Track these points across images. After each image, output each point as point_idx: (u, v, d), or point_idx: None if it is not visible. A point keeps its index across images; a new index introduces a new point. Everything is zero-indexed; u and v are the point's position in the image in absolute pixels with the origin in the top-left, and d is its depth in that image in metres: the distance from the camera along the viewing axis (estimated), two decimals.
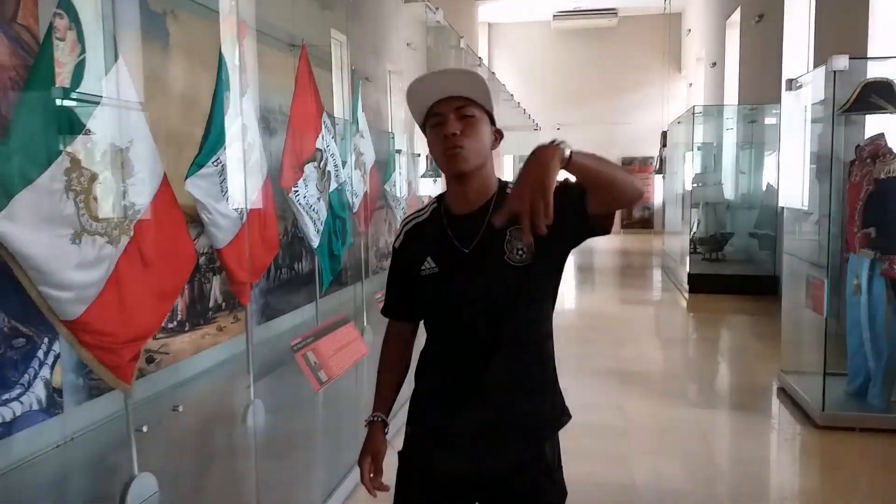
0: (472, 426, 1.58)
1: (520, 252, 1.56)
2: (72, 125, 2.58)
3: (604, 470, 3.66)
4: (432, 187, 8.70)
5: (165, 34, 4.37)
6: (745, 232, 10.45)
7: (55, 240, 2.47)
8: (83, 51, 2.66)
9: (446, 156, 1.55)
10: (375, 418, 1.69)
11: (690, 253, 10.17)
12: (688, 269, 9.61)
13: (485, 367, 1.57)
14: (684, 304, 8.96)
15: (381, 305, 1.81)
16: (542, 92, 18.12)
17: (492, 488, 1.61)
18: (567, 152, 1.33)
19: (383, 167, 6.54)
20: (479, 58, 11.49)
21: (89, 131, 2.64)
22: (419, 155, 9.59)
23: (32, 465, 3.19)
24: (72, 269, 2.52)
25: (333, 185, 4.92)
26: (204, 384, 4.11)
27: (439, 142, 1.56)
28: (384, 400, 1.72)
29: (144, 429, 2.87)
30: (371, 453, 1.67)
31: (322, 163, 4.68)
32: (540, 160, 1.30)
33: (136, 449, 2.86)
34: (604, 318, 8.20)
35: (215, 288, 4.87)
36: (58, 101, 2.59)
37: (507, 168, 17.92)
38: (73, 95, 2.62)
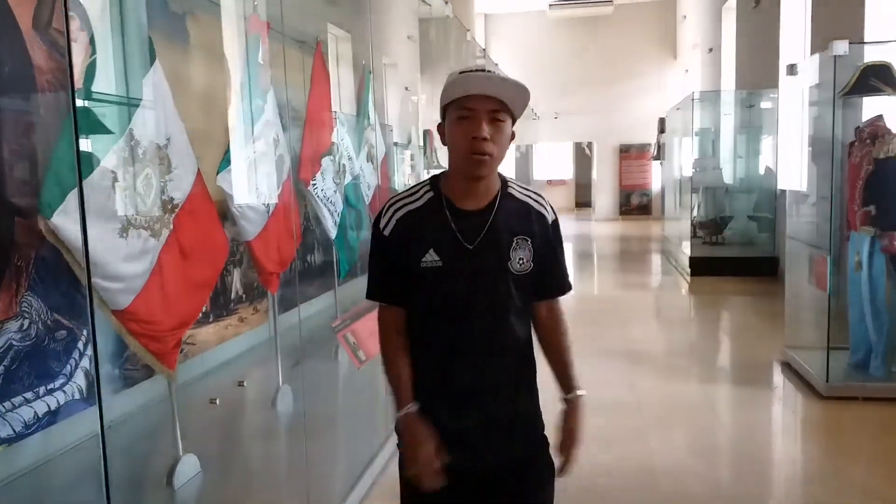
0: (476, 424, 1.62)
1: (521, 261, 1.64)
2: (116, 125, 2.72)
3: (621, 443, 3.83)
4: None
5: (186, 35, 4.50)
6: (745, 215, 10.61)
7: (105, 234, 2.62)
8: (94, 52, 2.79)
9: (471, 159, 1.55)
10: (411, 409, 1.61)
11: (691, 237, 10.34)
12: (689, 253, 9.78)
13: (486, 367, 1.62)
14: (686, 286, 9.13)
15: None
16: (539, 81, 18.16)
17: (496, 483, 1.66)
18: (582, 392, 1.76)
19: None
20: (483, 49, 11.58)
21: (132, 131, 2.79)
22: (422, 146, 9.71)
23: (77, 450, 3.34)
24: (120, 261, 2.67)
25: (348, 178, 5.07)
26: (230, 373, 4.27)
27: (465, 139, 1.55)
28: (408, 388, 1.64)
29: (217, 401, 3.05)
30: (429, 441, 1.59)
31: (337, 156, 4.83)
32: (580, 428, 1.73)
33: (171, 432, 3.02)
34: (608, 302, 8.37)
35: (236, 280, 5.02)
36: (102, 103, 2.73)
37: (506, 157, 18.07)
38: (116, 98, 2.77)
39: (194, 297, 3.11)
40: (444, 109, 1.62)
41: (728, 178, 11.02)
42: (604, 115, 18.82)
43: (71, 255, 2.50)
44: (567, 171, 23.84)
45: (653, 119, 16.17)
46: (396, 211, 1.65)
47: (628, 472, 3.50)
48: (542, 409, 1.77)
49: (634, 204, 19.68)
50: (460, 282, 1.61)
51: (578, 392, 1.72)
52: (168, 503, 2.99)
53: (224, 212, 3.63)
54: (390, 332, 1.69)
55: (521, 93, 1.58)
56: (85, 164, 2.51)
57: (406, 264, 1.62)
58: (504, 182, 1.69)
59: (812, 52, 6.64)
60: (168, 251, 2.93)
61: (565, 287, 1.77)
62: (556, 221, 1.72)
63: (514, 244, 1.63)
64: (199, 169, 3.14)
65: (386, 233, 1.64)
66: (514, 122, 1.62)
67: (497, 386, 1.65)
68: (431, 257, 1.60)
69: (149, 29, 3.15)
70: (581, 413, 1.72)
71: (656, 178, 18.57)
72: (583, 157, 22.24)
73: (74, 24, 2.80)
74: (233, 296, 5.00)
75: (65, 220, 2.43)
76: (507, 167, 19.52)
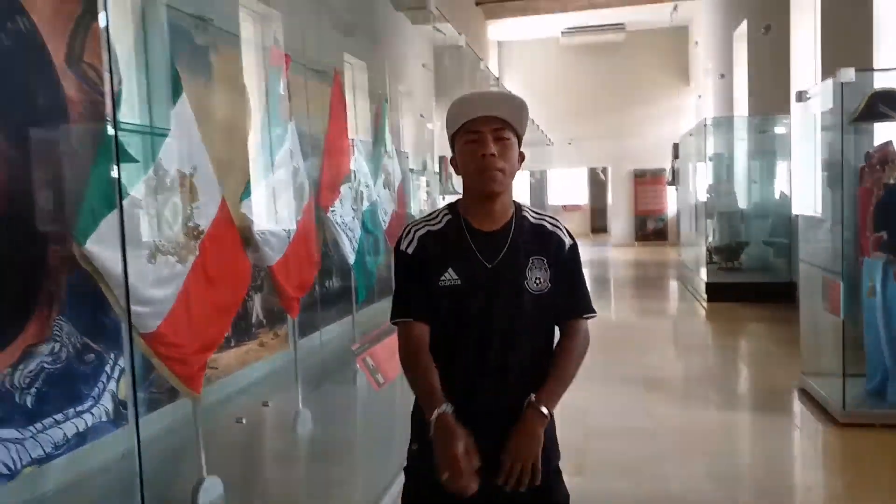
0: (496, 445, 1.58)
1: (538, 280, 1.66)
2: (150, 155, 2.84)
3: (636, 469, 3.85)
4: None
5: (209, 67, 4.65)
6: (760, 240, 10.62)
7: (135, 259, 2.71)
8: (119, 82, 2.92)
9: (483, 176, 1.62)
10: (445, 409, 1.58)
11: (707, 262, 10.34)
12: (705, 279, 9.78)
13: (505, 386, 1.63)
14: (703, 312, 9.12)
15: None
16: (553, 107, 18.38)
17: (504, 498, 1.61)
18: (545, 412, 1.63)
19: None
20: (496, 78, 11.74)
21: (161, 160, 2.90)
22: (437, 173, 9.84)
23: (105, 471, 3.41)
24: (149, 285, 2.76)
25: (366, 204, 5.17)
26: (252, 396, 4.34)
27: (474, 160, 1.62)
28: (439, 391, 1.61)
29: (244, 420, 3.11)
30: (464, 439, 1.55)
31: (355, 183, 4.94)
32: (537, 438, 1.60)
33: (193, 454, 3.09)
34: (625, 329, 8.38)
35: (257, 305, 5.12)
36: (130, 133, 2.86)
37: (520, 182, 18.14)
38: (145, 129, 2.89)
39: (219, 321, 3.20)
40: (453, 140, 1.70)
41: (743, 203, 11.04)
42: (618, 141, 18.93)
43: (103, 280, 2.59)
44: (582, 197, 23.92)
45: (668, 144, 16.25)
46: (418, 231, 1.71)
47: (643, 497, 3.51)
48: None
49: (650, 229, 19.69)
50: (479, 300, 1.63)
51: (542, 408, 1.61)
52: None
53: (247, 238, 3.73)
54: (418, 346, 1.66)
55: (519, 107, 1.68)
56: (114, 193, 2.61)
57: (428, 282, 1.65)
58: (518, 207, 1.75)
59: (823, 78, 6.70)
60: (194, 276, 3.02)
61: (585, 310, 1.74)
62: (573, 246, 1.75)
63: (530, 263, 1.66)
64: (223, 196, 3.25)
65: (409, 251, 1.69)
66: (520, 141, 1.69)
67: (515, 407, 1.63)
68: (450, 276, 1.64)
69: (174, 61, 3.28)
70: (531, 424, 1.60)
71: (672, 203, 18.59)
72: (598, 182, 22.32)
73: (105, 57, 2.94)
74: (254, 321, 5.09)
75: (98, 247, 2.53)
76: (521, 193, 19.46)
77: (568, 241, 1.75)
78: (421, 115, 10.46)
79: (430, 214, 1.77)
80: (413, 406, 1.73)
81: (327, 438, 3.52)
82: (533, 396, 1.62)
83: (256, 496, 3.43)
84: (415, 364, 1.66)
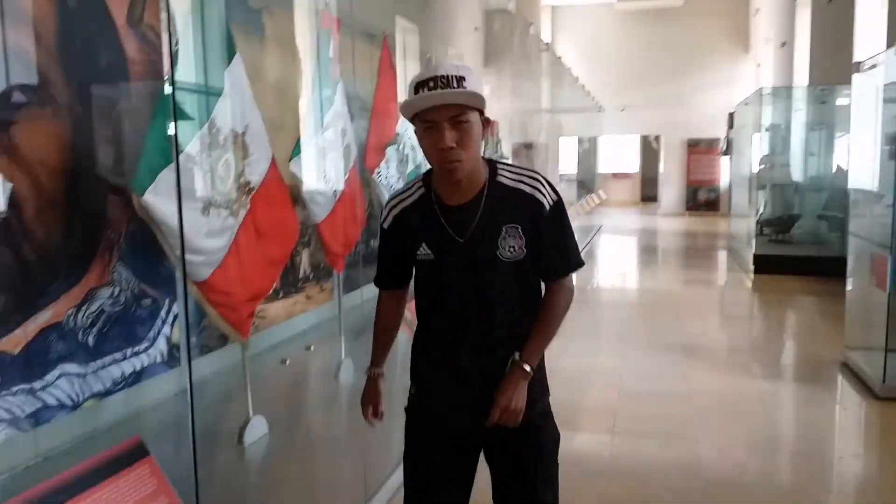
0: (479, 394, 1.71)
1: (511, 249, 1.66)
2: (205, 114, 2.99)
3: (667, 432, 3.92)
4: None
5: (261, 28, 4.78)
6: (814, 214, 10.37)
7: (189, 212, 2.88)
8: (177, 42, 3.06)
9: (443, 168, 1.61)
10: (374, 373, 1.94)
11: (757, 235, 10.18)
12: (753, 251, 9.64)
13: (485, 352, 1.71)
14: (749, 284, 9.02)
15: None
16: (606, 73, 18.07)
17: (496, 438, 1.75)
18: (528, 369, 1.71)
19: None
20: (546, 43, 11.62)
21: (214, 119, 3.05)
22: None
23: (159, 409, 3.66)
24: (202, 237, 2.94)
25: (411, 167, 5.27)
26: (297, 345, 4.54)
27: (433, 149, 1.59)
28: (381, 356, 1.95)
29: (288, 361, 3.35)
30: (371, 401, 1.93)
31: (401, 146, 5.04)
32: (520, 392, 1.69)
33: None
34: (668, 297, 8.35)
35: (304, 260, 5.31)
36: (185, 92, 3.01)
37: (568, 149, 17.97)
38: (200, 88, 3.03)
39: (267, 273, 3.37)
40: (411, 120, 1.67)
41: (797, 175, 10.78)
42: (672, 109, 18.54)
43: (159, 229, 2.77)
44: (633, 165, 23.56)
45: (723, 113, 15.86)
46: (393, 207, 1.77)
47: (672, 459, 3.58)
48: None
49: (701, 200, 19.35)
50: (452, 274, 1.69)
51: (525, 366, 1.70)
52: (239, 458, 3.27)
53: (295, 196, 3.88)
54: (383, 308, 1.93)
55: (472, 95, 1.58)
56: (171, 149, 2.77)
57: (404, 256, 1.77)
58: (493, 170, 1.71)
59: (888, 47, 6.47)
60: (244, 230, 3.19)
61: (569, 268, 1.76)
62: (556, 204, 1.70)
63: (503, 233, 1.66)
64: (273, 155, 3.39)
65: (385, 226, 1.80)
66: (482, 112, 1.64)
67: (502, 363, 1.72)
68: (424, 251, 1.70)
69: (228, 23, 3.41)
70: (515, 379, 1.69)
71: (725, 174, 18.20)
72: (649, 150, 21.95)
73: (164, 17, 3.09)
74: (301, 275, 5.29)
75: (155, 198, 2.70)
76: (569, 160, 19.20)
77: (548, 200, 1.69)
78: None
79: (406, 186, 1.80)
80: (410, 356, 1.86)
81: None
82: (517, 355, 1.71)
83: (298, 436, 3.63)
84: (377, 320, 1.95)
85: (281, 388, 4.07)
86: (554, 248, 1.73)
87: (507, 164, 1.76)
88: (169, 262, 3.22)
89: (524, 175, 1.72)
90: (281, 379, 3.85)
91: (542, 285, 1.80)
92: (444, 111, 1.57)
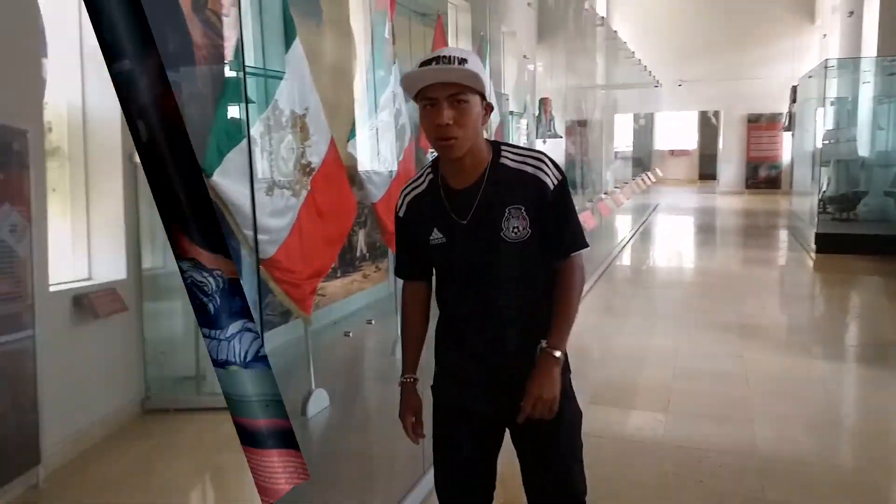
0: (499, 376, 1.74)
1: (516, 230, 1.67)
2: (264, 96, 3.10)
3: (722, 413, 3.90)
4: (544, 147, 8.83)
5: (319, 12, 4.87)
6: (881, 191, 10.01)
7: (255, 192, 3.00)
8: (241, 27, 3.16)
9: (439, 145, 1.63)
10: (408, 379, 1.85)
11: (819, 213, 9.88)
12: (815, 229, 9.38)
13: (500, 332, 1.72)
14: (811, 263, 8.79)
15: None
16: (663, 47, 17.67)
17: (519, 426, 1.74)
18: (558, 355, 1.70)
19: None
20: (602, 18, 11.42)
21: (277, 101, 3.15)
22: (537, 115, 9.80)
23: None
24: (267, 215, 3.06)
25: None
26: (355, 322, 4.69)
27: (431, 126, 1.62)
28: (413, 360, 1.87)
29: (350, 334, 3.39)
30: (413, 411, 1.84)
31: None
32: (553, 379, 1.69)
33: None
34: (725, 277, 8.21)
35: (361, 240, 5.44)
36: (250, 76, 3.11)
37: (624, 126, 17.66)
38: (262, 72, 3.14)
39: (327, 251, 3.48)
40: (415, 99, 1.68)
41: (864, 150, 10.40)
42: (732, 83, 18.03)
43: (227, 208, 2.90)
44: (691, 142, 23.03)
45: (785, 87, 15.35)
46: (406, 196, 1.80)
47: (726, 439, 3.57)
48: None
49: (762, 177, 18.84)
50: (462, 255, 1.71)
51: (555, 353, 1.70)
52: (302, 429, 3.41)
53: (352, 176, 3.98)
54: (407, 307, 1.89)
55: (469, 74, 1.60)
56: (236, 131, 2.89)
57: (420, 243, 1.76)
58: (497, 152, 1.72)
59: None
60: (306, 209, 3.30)
61: (572, 247, 1.76)
62: (560, 184, 1.71)
63: (506, 214, 1.67)
64: (332, 136, 3.48)
65: (401, 214, 1.80)
66: (483, 96, 1.66)
67: (516, 344, 1.74)
68: (437, 235, 1.72)
69: (287, 7, 3.50)
70: (546, 368, 1.70)
71: (787, 150, 17.65)
72: (708, 126, 21.42)
73: (227, 1, 3.19)
74: (358, 254, 5.42)
75: (223, 178, 2.83)
76: (625, 137, 18.94)
77: (552, 180, 1.70)
78: (525, 56, 10.38)
79: (419, 173, 1.83)
80: (435, 336, 1.88)
81: (422, 364, 3.78)
82: (544, 343, 1.71)
83: (357, 409, 3.76)
84: (403, 321, 1.91)
85: (341, 363, 4.22)
86: (561, 226, 1.73)
87: (512, 146, 1.77)
88: (234, 241, 3.34)
89: (528, 156, 1.73)
90: (340, 354, 3.99)
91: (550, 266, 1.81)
92: (444, 89, 1.59)
